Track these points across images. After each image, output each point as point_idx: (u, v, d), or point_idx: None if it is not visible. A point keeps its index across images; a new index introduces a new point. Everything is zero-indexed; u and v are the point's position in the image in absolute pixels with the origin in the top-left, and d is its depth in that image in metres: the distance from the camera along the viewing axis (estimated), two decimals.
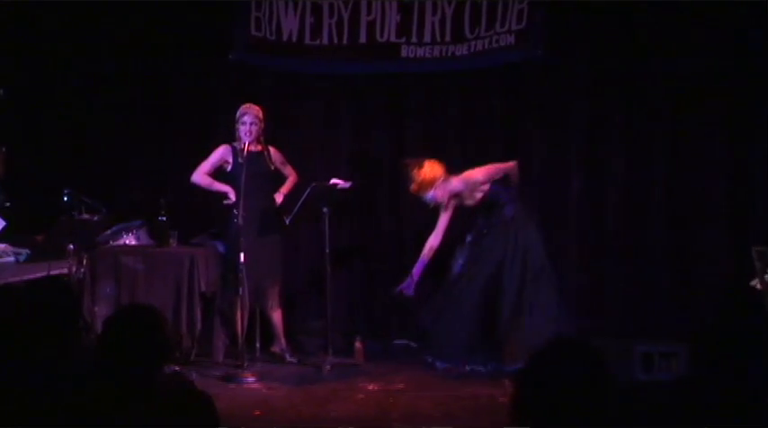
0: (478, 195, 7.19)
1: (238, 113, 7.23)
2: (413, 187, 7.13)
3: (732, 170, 7.71)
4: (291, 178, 7.55)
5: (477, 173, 7.15)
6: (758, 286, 6.17)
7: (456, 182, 7.14)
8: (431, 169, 7.10)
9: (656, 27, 7.71)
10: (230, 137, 7.32)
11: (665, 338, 7.29)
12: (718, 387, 3.09)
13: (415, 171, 7.11)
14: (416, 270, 7.24)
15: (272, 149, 7.42)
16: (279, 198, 7.46)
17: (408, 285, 7.23)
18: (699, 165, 7.78)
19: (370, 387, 6.74)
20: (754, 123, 7.63)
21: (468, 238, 7.23)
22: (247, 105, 7.24)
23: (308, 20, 8.03)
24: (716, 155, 7.74)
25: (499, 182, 7.20)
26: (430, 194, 7.13)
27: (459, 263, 7.19)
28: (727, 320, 3.16)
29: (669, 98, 7.78)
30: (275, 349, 7.58)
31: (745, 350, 3.11)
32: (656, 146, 7.84)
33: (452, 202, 7.20)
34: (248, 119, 7.18)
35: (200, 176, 7.35)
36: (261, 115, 7.23)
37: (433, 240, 7.24)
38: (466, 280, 7.13)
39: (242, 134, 7.18)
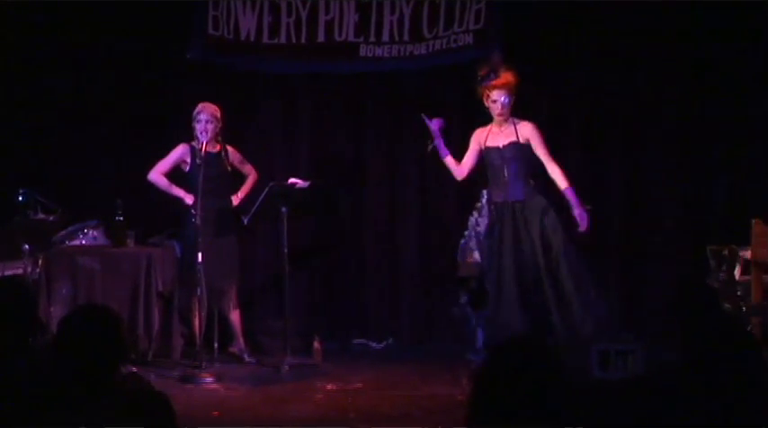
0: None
1: (194, 112, 7.22)
2: (499, 80, 6.94)
3: (688, 170, 7.78)
4: (251, 176, 7.53)
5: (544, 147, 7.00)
6: (714, 284, 6.24)
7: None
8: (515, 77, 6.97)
9: (615, 28, 7.76)
10: (188, 136, 7.29)
11: (621, 337, 7.35)
12: (675, 385, 3.11)
13: (504, 67, 6.98)
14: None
15: (229, 149, 7.40)
16: (235, 200, 7.44)
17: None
18: (655, 165, 7.85)
19: (329, 387, 6.74)
20: (711, 124, 7.70)
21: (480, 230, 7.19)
22: (203, 104, 7.22)
23: (266, 19, 8.00)
24: (673, 155, 7.81)
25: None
26: (508, 98, 6.98)
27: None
28: (684, 318, 3.19)
29: (627, 98, 7.83)
30: (233, 349, 7.55)
31: (701, 348, 3.13)
32: (614, 146, 7.90)
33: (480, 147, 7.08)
34: (204, 117, 7.16)
35: (158, 176, 7.31)
36: (218, 114, 7.21)
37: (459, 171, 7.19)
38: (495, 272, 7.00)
39: (198, 133, 7.16)
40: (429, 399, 6.41)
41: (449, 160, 7.18)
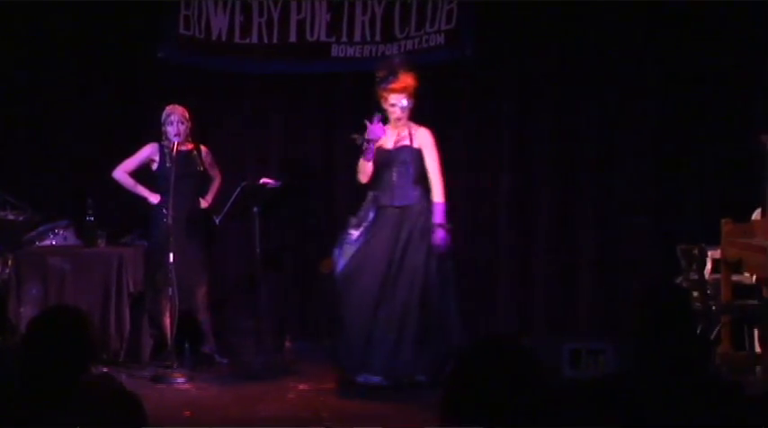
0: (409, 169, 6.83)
1: (164, 114, 7.19)
2: (397, 83, 6.77)
3: (659, 169, 7.83)
4: (216, 181, 7.51)
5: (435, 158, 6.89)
6: (684, 284, 6.28)
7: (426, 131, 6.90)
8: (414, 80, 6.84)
9: (585, 27, 7.80)
10: (158, 136, 7.26)
11: (592, 336, 7.40)
12: (645, 383, 3.13)
13: (403, 69, 6.84)
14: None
15: (203, 149, 7.39)
16: (204, 204, 7.42)
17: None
18: (627, 165, 7.89)
19: (301, 387, 6.73)
20: (682, 122, 7.75)
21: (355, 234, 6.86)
22: (172, 106, 7.21)
23: (238, 18, 7.99)
24: (644, 154, 7.85)
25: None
26: (407, 101, 6.82)
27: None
28: (654, 317, 3.22)
29: (598, 98, 7.87)
30: (205, 349, 7.53)
31: (671, 345, 3.16)
32: (585, 146, 7.93)
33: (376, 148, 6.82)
34: (175, 118, 7.15)
35: (123, 174, 7.27)
36: (187, 115, 7.20)
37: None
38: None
39: (170, 134, 7.13)
40: (401, 399, 6.41)
41: (369, 165, 6.86)
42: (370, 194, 6.88)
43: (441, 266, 6.77)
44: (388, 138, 6.87)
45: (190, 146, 7.26)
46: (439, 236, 6.73)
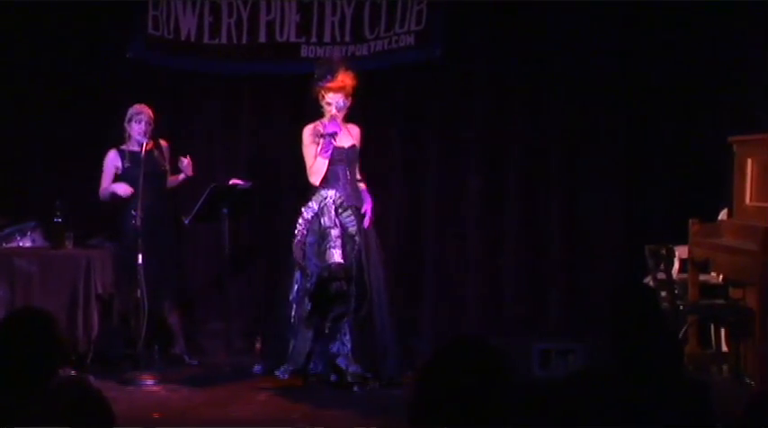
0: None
1: (130, 113, 7.17)
2: (335, 83, 6.77)
3: (629, 169, 7.87)
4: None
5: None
6: (652, 283, 6.32)
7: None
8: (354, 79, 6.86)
9: (554, 27, 7.83)
10: (121, 139, 7.23)
11: (562, 336, 7.43)
12: (614, 382, 3.15)
13: (342, 68, 6.84)
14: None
15: (163, 144, 7.36)
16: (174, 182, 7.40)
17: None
18: (596, 165, 7.93)
19: (272, 388, 6.72)
20: (650, 123, 7.80)
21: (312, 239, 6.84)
22: (140, 106, 7.19)
23: (207, 19, 7.97)
24: (614, 154, 7.89)
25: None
26: (344, 101, 6.83)
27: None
28: (623, 317, 3.24)
29: (568, 97, 7.90)
30: (175, 350, 7.51)
31: (640, 345, 3.18)
32: (554, 146, 7.96)
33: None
34: (144, 118, 7.14)
35: (106, 193, 7.23)
36: (152, 115, 7.18)
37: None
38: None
39: (136, 133, 7.12)
40: (371, 399, 6.43)
41: (324, 163, 6.82)
42: (331, 193, 6.84)
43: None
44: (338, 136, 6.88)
45: (150, 144, 7.22)
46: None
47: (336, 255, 6.65)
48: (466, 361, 2.48)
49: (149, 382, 6.82)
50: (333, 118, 6.81)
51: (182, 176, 7.32)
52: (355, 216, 6.81)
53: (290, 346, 6.82)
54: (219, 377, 7.01)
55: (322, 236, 6.73)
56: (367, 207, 6.96)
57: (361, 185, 7.03)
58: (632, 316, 3.24)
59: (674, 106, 7.74)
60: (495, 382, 2.45)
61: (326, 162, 6.81)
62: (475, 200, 8.01)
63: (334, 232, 6.70)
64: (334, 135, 6.78)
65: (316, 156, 6.83)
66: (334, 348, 6.70)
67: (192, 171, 7.22)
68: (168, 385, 6.81)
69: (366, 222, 6.91)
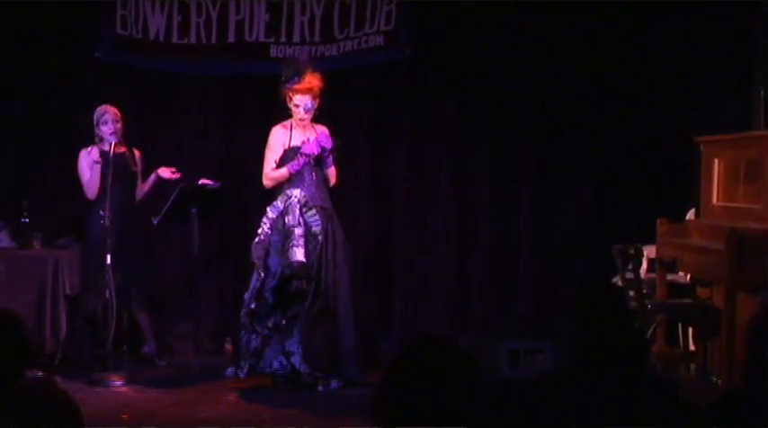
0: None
1: (98, 114, 7.14)
2: (302, 85, 6.75)
3: (597, 169, 7.91)
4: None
5: None
6: (620, 283, 6.35)
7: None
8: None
9: (523, 28, 7.86)
10: (91, 138, 7.19)
11: (530, 336, 7.47)
12: (583, 381, 3.17)
13: (309, 70, 6.83)
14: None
15: (137, 152, 7.34)
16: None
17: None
18: (565, 165, 7.96)
19: (241, 389, 6.71)
20: (619, 123, 7.84)
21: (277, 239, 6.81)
22: (105, 106, 7.16)
23: (176, 18, 7.94)
24: (582, 155, 7.93)
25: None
26: (312, 103, 6.81)
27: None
28: (589, 316, 3.26)
29: (536, 98, 7.93)
30: (145, 350, 7.48)
31: (608, 343, 3.20)
32: (524, 145, 7.99)
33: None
34: (110, 117, 7.12)
35: (94, 192, 7.16)
36: (119, 114, 7.15)
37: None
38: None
39: (106, 133, 7.09)
40: (341, 399, 6.43)
41: (286, 176, 6.84)
42: (296, 192, 6.82)
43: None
44: (302, 136, 6.86)
45: (123, 148, 7.20)
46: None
47: (299, 254, 6.67)
48: (433, 361, 2.48)
49: (118, 383, 6.79)
50: (318, 137, 6.83)
51: (152, 177, 7.28)
52: (321, 215, 6.80)
53: (242, 344, 6.81)
54: (189, 377, 6.99)
55: (286, 235, 6.73)
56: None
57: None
58: (598, 315, 3.26)
59: (642, 107, 7.78)
60: (462, 382, 2.45)
61: (289, 175, 6.83)
62: (444, 200, 8.03)
63: (298, 231, 6.70)
64: (311, 156, 6.78)
65: (278, 163, 6.86)
66: (289, 346, 6.69)
67: (168, 176, 7.16)
68: (137, 386, 6.79)
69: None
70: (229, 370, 6.92)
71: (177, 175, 7.14)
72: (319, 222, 6.77)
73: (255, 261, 6.82)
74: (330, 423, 5.90)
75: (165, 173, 7.21)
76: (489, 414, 2.51)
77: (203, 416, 6.06)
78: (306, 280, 6.70)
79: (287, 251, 6.70)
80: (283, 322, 6.72)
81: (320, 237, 6.75)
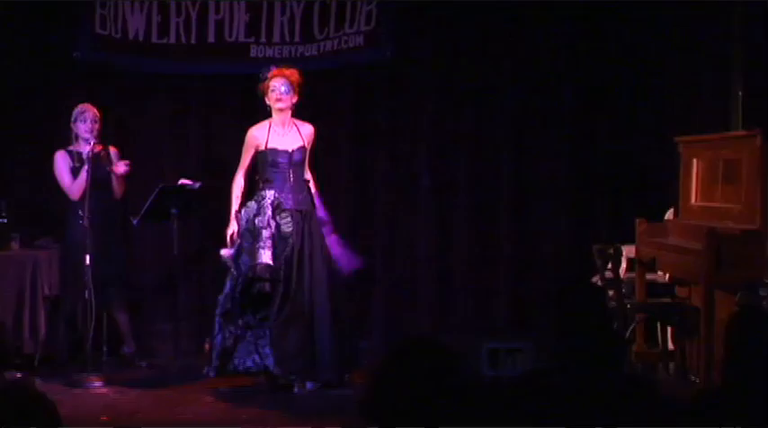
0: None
1: (76, 113, 7.12)
2: (276, 72, 6.74)
3: (577, 169, 7.93)
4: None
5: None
6: (599, 282, 6.37)
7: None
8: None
9: (503, 28, 7.88)
10: (68, 137, 7.16)
11: (510, 335, 7.48)
12: (562, 380, 3.18)
13: (289, 69, 6.82)
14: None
15: (113, 150, 7.30)
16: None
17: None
18: (545, 165, 7.98)
19: (220, 389, 6.69)
20: (598, 124, 7.87)
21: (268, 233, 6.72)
22: (85, 105, 7.13)
23: (155, 18, 7.91)
24: (561, 155, 7.95)
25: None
26: (288, 85, 6.76)
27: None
28: (568, 315, 3.27)
29: (517, 99, 7.95)
30: (124, 351, 7.46)
31: (587, 343, 3.21)
32: (504, 146, 8.00)
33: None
34: (89, 116, 7.10)
35: (76, 192, 7.12)
36: (99, 115, 7.12)
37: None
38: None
39: (83, 132, 7.07)
40: (321, 399, 6.43)
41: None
42: (270, 194, 6.80)
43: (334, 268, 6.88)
44: (281, 137, 6.83)
45: (99, 147, 7.16)
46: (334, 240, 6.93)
47: (264, 256, 6.63)
48: (421, 361, 2.48)
49: (97, 384, 6.77)
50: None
51: (114, 177, 7.21)
52: (294, 218, 6.76)
53: (216, 343, 6.80)
54: (168, 378, 6.96)
55: (255, 236, 6.72)
56: (321, 213, 6.94)
57: (312, 187, 6.99)
58: (578, 316, 3.27)
59: (621, 107, 7.81)
60: (450, 382, 2.46)
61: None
62: (424, 200, 8.03)
63: (266, 232, 6.67)
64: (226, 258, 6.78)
65: (249, 164, 6.88)
66: (262, 347, 6.68)
67: (124, 170, 7.11)
68: (116, 387, 6.77)
69: (329, 233, 6.92)
70: (205, 370, 6.89)
71: (127, 167, 7.04)
72: (290, 224, 6.75)
73: (227, 259, 6.80)
74: (310, 425, 5.89)
75: (121, 168, 7.13)
76: (473, 414, 2.51)
77: (183, 417, 6.04)
78: (270, 283, 6.66)
79: (255, 252, 6.69)
80: (254, 321, 6.69)
81: (291, 240, 6.73)
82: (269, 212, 6.72)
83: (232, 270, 6.76)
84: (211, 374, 6.75)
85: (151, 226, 7.52)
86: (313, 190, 6.97)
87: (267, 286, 6.65)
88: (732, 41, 6.85)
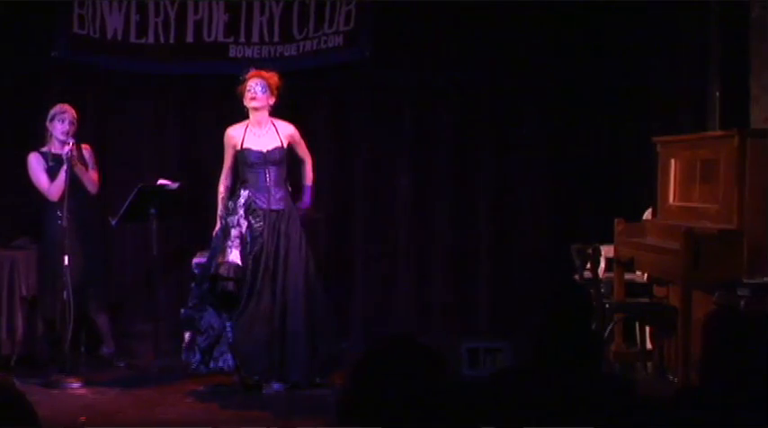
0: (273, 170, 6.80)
1: (53, 113, 7.07)
2: (253, 73, 6.76)
3: (556, 169, 7.96)
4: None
5: (305, 151, 7.00)
6: (579, 282, 6.40)
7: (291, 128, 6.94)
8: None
9: (481, 28, 7.89)
10: (43, 138, 7.13)
11: (490, 335, 7.50)
12: (540, 379, 3.19)
13: (268, 72, 6.83)
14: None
15: (86, 148, 7.26)
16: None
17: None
18: (523, 165, 8.01)
19: (199, 389, 6.68)
20: (577, 123, 7.89)
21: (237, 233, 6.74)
22: (63, 105, 7.10)
23: (134, 18, 7.89)
24: (539, 156, 7.97)
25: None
26: (264, 85, 6.76)
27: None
28: (559, 315, 3.28)
29: (496, 98, 7.97)
30: (103, 351, 7.43)
31: (567, 342, 3.23)
32: (483, 146, 8.02)
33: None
34: (67, 117, 7.05)
35: (56, 192, 7.08)
36: (75, 115, 7.09)
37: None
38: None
39: (59, 133, 7.03)
40: (300, 400, 6.43)
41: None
42: (245, 194, 6.80)
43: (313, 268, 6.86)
44: (257, 137, 6.83)
45: (73, 146, 7.11)
46: (306, 206, 6.95)
47: (231, 255, 6.64)
48: (400, 362, 2.48)
49: (75, 385, 6.74)
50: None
51: (64, 168, 7.05)
52: (270, 218, 6.72)
53: (188, 340, 6.81)
54: (147, 378, 6.95)
55: (226, 235, 6.73)
56: (303, 204, 6.98)
57: (308, 181, 7.04)
58: (564, 314, 3.28)
59: (600, 107, 7.84)
60: (427, 382, 2.46)
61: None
62: (404, 200, 8.04)
63: (234, 232, 6.69)
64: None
65: (231, 165, 6.88)
66: (230, 347, 6.69)
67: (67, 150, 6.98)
68: (95, 387, 6.74)
69: (305, 203, 6.96)
70: (189, 357, 6.83)
71: (69, 145, 6.94)
72: (261, 224, 6.75)
73: (194, 267, 6.87)
74: (290, 424, 5.89)
75: (65, 149, 6.98)
76: (452, 413, 2.52)
77: (162, 417, 6.03)
78: (235, 282, 6.66)
79: (224, 250, 6.69)
80: (219, 323, 6.70)
81: (260, 240, 6.72)
82: (241, 212, 6.73)
83: (197, 273, 6.80)
84: (197, 365, 6.73)
85: (130, 226, 7.51)
86: (308, 182, 7.00)
87: (231, 285, 6.65)
88: (710, 42, 6.89)
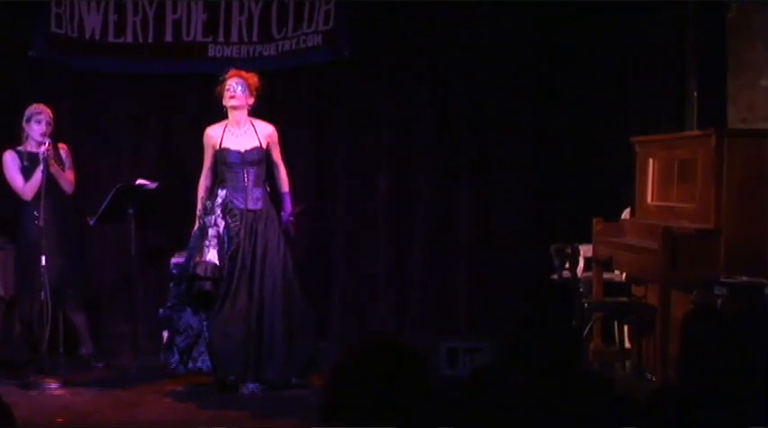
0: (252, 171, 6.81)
1: (29, 113, 7.05)
2: (232, 73, 6.79)
3: (535, 169, 7.97)
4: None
5: (279, 156, 6.98)
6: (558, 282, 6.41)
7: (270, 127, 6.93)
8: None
9: (461, 27, 7.90)
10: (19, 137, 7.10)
11: (469, 335, 7.51)
12: (519, 379, 3.20)
13: (248, 73, 6.85)
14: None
15: (63, 147, 7.22)
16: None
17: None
18: (503, 164, 8.02)
19: (178, 390, 6.67)
20: (556, 123, 7.91)
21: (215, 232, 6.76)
22: (39, 105, 7.08)
23: (112, 17, 7.86)
24: (520, 154, 7.98)
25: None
26: (244, 91, 6.77)
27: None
28: (530, 314, 3.29)
29: (475, 97, 7.97)
30: (81, 352, 7.41)
31: (547, 341, 3.23)
32: (463, 145, 8.03)
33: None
34: (44, 117, 7.04)
35: (29, 191, 7.03)
36: (52, 115, 7.06)
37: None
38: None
39: (35, 133, 7.00)
40: (279, 400, 6.42)
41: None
42: (222, 193, 6.81)
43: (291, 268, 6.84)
44: (236, 137, 6.83)
45: (49, 146, 7.08)
46: (291, 225, 6.94)
47: (208, 255, 6.65)
48: (380, 361, 2.48)
49: (53, 386, 6.71)
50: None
51: (41, 167, 7.03)
52: (247, 218, 6.73)
53: (169, 340, 6.80)
54: (126, 379, 6.94)
55: (203, 235, 6.72)
56: (286, 212, 6.97)
57: (283, 185, 7.03)
58: (546, 312, 3.29)
59: (578, 107, 7.85)
60: (411, 383, 2.46)
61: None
62: (384, 200, 8.04)
63: (211, 231, 6.70)
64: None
65: (210, 165, 6.89)
66: (207, 347, 6.68)
67: (49, 155, 6.96)
68: (73, 388, 6.72)
69: (287, 206, 6.96)
70: (167, 357, 6.82)
71: (46, 145, 6.92)
72: (238, 224, 6.73)
73: (173, 268, 6.85)
74: (269, 424, 5.89)
75: (41, 149, 6.99)
76: (432, 413, 2.52)
77: (141, 418, 6.02)
78: (212, 282, 6.65)
79: (201, 249, 6.68)
80: (197, 324, 6.70)
81: (236, 239, 6.71)
82: (218, 211, 6.74)
83: (175, 274, 6.79)
84: (176, 366, 6.72)
85: (109, 226, 7.48)
86: (285, 188, 6.98)
87: (208, 284, 6.64)
88: (687, 42, 6.92)
